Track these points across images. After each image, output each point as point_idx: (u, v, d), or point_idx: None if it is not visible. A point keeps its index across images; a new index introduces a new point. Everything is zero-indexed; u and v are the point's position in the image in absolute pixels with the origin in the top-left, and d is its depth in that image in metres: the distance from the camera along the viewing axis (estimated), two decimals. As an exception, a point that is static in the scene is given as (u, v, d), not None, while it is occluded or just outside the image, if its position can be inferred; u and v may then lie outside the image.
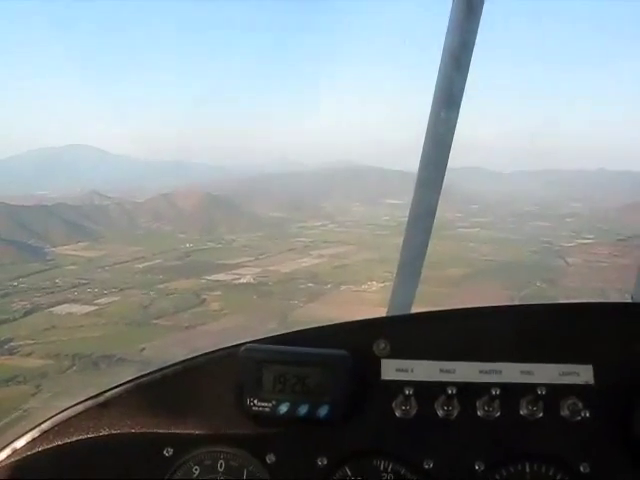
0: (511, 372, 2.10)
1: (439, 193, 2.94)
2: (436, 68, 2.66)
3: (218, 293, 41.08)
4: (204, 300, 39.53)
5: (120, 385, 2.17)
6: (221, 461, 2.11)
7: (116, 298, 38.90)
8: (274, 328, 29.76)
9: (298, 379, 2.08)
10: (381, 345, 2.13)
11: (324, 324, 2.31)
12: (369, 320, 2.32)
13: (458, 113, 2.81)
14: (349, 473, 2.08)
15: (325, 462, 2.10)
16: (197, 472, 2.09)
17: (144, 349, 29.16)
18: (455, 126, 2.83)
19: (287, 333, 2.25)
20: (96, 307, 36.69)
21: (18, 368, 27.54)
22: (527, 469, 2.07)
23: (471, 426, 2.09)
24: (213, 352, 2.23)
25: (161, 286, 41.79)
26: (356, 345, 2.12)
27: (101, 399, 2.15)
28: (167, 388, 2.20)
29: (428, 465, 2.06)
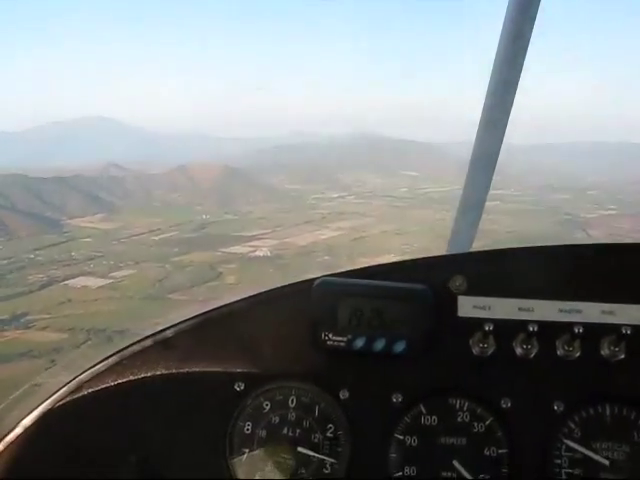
0: (592, 311, 1.96)
1: (503, 133, 2.74)
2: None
3: (234, 266, 40.84)
4: (220, 274, 39.31)
5: (187, 320, 1.99)
6: (292, 397, 2.00)
7: (131, 271, 38.75)
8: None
9: (375, 313, 1.97)
10: (458, 281, 1.98)
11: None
12: (445, 256, 2.26)
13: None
14: (424, 410, 1.98)
15: (400, 399, 1.98)
16: (268, 407, 1.99)
17: (158, 324, 29.06)
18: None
19: (362, 268, 2.04)
20: (111, 280, 36.55)
21: (33, 342, 27.51)
22: (607, 411, 1.95)
23: (550, 365, 1.96)
24: (284, 287, 2.04)
25: (176, 259, 41.63)
26: (432, 281, 1.97)
27: (168, 333, 1.99)
28: (236, 323, 2.05)
29: (506, 404, 1.96)
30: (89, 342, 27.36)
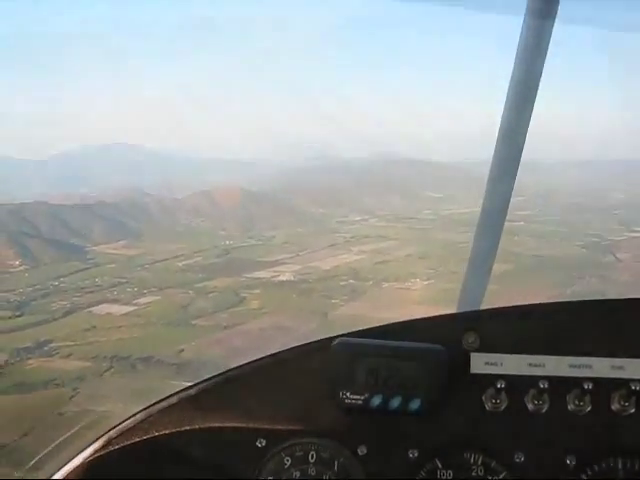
0: (602, 366, 2.06)
1: (512, 189, 2.89)
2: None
3: (258, 291, 40.96)
4: (243, 299, 39.40)
5: (211, 378, 2.26)
6: (312, 452, 2.14)
7: (155, 298, 38.99)
8: (314, 328, 29.56)
9: (391, 372, 2.11)
10: (470, 339, 2.14)
11: (398, 320, 2.27)
12: (458, 314, 2.42)
13: (532, 111, 2.70)
14: (440, 465, 2.10)
15: (416, 454, 2.13)
16: (289, 463, 2.14)
17: (182, 350, 28.97)
18: (529, 123, 2.71)
19: (376, 327, 2.23)
20: (135, 307, 36.80)
21: (57, 370, 27.61)
22: (619, 465, 2.03)
23: (562, 420, 2.09)
24: (304, 345, 2.29)
25: (200, 285, 41.78)
26: (445, 339, 2.14)
27: (193, 391, 2.23)
28: (258, 380, 2.26)
29: (519, 459, 2.07)
30: (112, 369, 27.40)
